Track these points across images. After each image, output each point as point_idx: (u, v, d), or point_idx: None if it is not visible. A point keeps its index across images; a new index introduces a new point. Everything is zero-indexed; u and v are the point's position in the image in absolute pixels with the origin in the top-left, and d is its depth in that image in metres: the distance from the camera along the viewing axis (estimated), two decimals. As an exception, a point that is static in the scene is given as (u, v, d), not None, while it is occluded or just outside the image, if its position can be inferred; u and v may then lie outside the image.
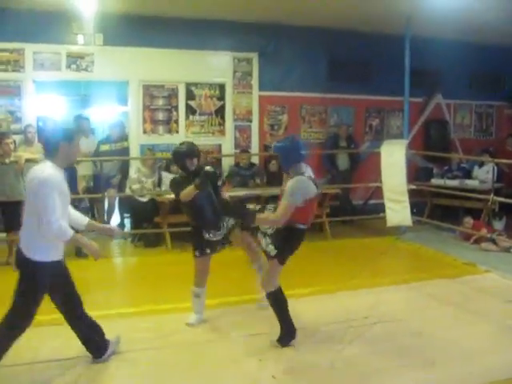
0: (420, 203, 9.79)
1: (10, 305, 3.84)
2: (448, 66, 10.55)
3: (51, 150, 3.87)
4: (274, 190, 5.69)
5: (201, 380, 4.11)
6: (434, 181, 10.04)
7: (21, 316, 3.85)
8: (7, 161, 7.12)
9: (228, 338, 4.87)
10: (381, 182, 9.03)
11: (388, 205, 8.83)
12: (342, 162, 10.23)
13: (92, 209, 8.98)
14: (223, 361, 4.39)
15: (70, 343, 4.42)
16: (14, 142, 7.66)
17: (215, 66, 9.90)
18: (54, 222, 3.67)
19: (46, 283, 3.89)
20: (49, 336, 4.70)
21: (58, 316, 4.21)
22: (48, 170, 3.76)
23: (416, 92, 9.61)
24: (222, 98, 9.95)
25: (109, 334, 4.33)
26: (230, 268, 6.40)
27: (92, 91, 11.47)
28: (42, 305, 3.94)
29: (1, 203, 7.13)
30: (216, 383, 4.09)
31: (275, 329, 4.67)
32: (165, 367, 4.27)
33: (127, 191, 8.73)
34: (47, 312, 4.22)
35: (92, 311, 4.31)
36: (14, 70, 8.72)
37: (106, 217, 9.13)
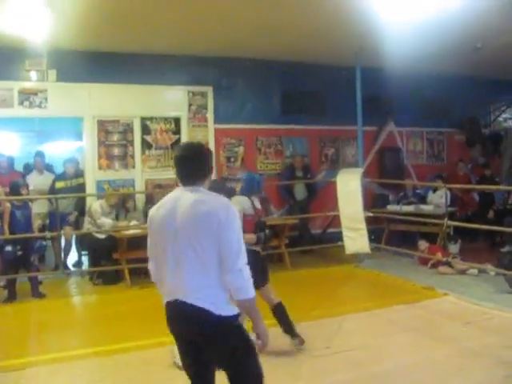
0: (377, 230, 9.88)
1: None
2: (399, 94, 10.79)
3: (205, 173, 3.15)
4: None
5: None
6: (390, 207, 10.19)
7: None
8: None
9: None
10: (338, 210, 9.13)
11: (346, 233, 8.93)
12: (299, 192, 10.31)
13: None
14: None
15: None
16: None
17: (170, 100, 9.94)
18: (241, 266, 2.79)
19: None
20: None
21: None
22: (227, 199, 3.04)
23: (369, 121, 9.81)
24: (177, 131, 9.93)
25: (64, 378, 4.22)
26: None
27: (46, 127, 11.35)
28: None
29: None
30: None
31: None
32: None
33: (85, 227, 8.62)
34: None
35: (48, 354, 4.20)
36: (-36, 107, 8.58)
37: (62, 255, 8.94)
